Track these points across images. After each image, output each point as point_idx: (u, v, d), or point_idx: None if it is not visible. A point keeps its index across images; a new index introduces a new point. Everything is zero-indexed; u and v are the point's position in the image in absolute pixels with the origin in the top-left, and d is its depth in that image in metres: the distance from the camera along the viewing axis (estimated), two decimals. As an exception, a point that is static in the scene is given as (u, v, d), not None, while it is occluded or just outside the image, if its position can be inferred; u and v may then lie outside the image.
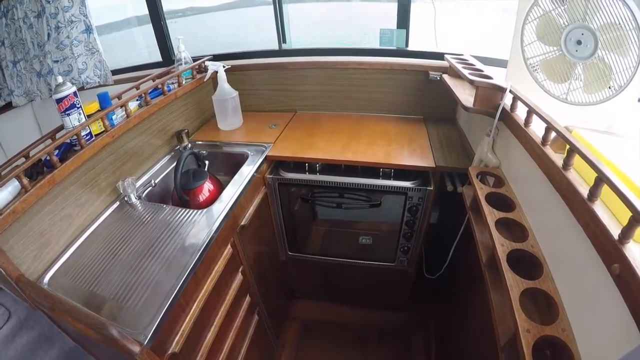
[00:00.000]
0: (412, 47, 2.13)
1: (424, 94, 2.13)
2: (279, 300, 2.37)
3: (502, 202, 1.23)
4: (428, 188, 1.68)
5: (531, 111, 1.12)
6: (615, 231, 0.70)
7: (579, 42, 1.13)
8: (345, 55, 2.19)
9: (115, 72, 2.51)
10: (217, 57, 2.28)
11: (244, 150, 1.90)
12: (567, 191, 0.89)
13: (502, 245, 1.03)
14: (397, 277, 2.16)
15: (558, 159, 0.97)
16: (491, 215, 1.13)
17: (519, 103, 1.22)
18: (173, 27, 2.45)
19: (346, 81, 2.20)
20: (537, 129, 1.12)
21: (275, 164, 1.90)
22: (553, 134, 1.01)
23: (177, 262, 1.21)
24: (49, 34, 2.27)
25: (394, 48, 2.13)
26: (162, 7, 2.34)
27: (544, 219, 1.05)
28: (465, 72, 1.44)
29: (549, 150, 1.02)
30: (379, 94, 2.21)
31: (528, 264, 1.01)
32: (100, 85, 2.42)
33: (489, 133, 1.38)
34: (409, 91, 2.15)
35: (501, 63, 1.72)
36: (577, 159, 0.89)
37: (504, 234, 1.09)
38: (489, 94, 1.33)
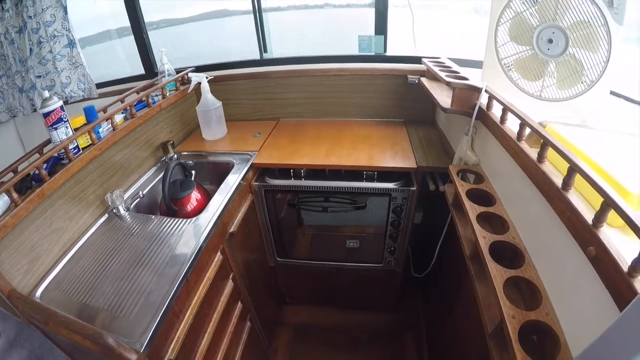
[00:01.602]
0: (390, 51, 2.19)
1: (403, 97, 2.18)
2: (270, 306, 2.38)
3: (483, 197, 1.27)
4: (411, 188, 1.72)
5: (506, 109, 1.17)
6: (589, 217, 0.75)
7: (550, 41, 1.18)
8: (326, 63, 2.24)
9: (99, 85, 2.50)
10: (199, 69, 2.31)
11: (229, 159, 1.92)
12: (542, 183, 0.93)
13: (484, 238, 1.07)
14: (386, 277, 2.19)
15: (533, 153, 1.01)
16: (472, 210, 1.18)
17: (495, 102, 1.27)
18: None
19: (328, 88, 2.25)
20: (512, 125, 1.17)
21: (261, 171, 1.92)
22: (528, 130, 1.06)
23: (169, 271, 1.22)
24: (30, 49, 2.25)
25: (373, 54, 2.18)
26: (143, 20, 2.36)
27: (523, 211, 1.10)
28: (442, 75, 1.49)
29: (524, 145, 1.07)
30: (360, 99, 2.25)
31: (510, 255, 1.06)
32: (84, 99, 2.41)
33: (467, 132, 1.42)
34: (389, 95, 2.20)
35: (477, 64, 1.77)
36: (550, 152, 0.94)
37: (485, 228, 1.13)
38: (466, 95, 1.38)
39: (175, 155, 2.00)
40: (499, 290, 0.91)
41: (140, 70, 2.55)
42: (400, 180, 1.76)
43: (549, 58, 1.20)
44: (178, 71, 2.19)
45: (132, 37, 2.42)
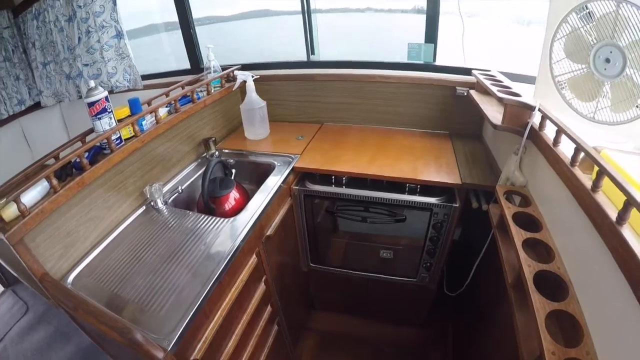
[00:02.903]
0: (439, 61, 2.13)
1: (450, 109, 2.12)
2: (298, 311, 2.37)
3: (529, 221, 1.22)
4: (454, 205, 1.67)
5: (560, 131, 1.11)
6: (645, 257, 0.69)
7: (607, 60, 1.11)
8: (373, 69, 2.20)
9: (144, 77, 2.57)
10: (245, 67, 2.33)
11: (270, 161, 1.93)
12: (595, 214, 0.88)
13: (529, 266, 1.02)
14: (418, 293, 2.15)
15: (587, 180, 0.96)
16: (518, 235, 1.13)
17: (548, 122, 1.21)
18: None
19: (373, 94, 2.22)
20: (565, 149, 1.11)
21: (302, 176, 1.91)
22: (581, 155, 1.00)
23: (203, 270, 1.22)
24: (79, 38, 2.33)
25: (422, 62, 2.14)
26: (192, 15, 2.40)
27: (571, 241, 1.04)
28: (494, 89, 1.44)
29: (577, 171, 1.01)
30: (406, 109, 2.20)
31: (553, 285, 1.01)
32: (129, 90, 2.48)
33: (517, 151, 1.37)
34: (436, 106, 2.14)
35: (527, 79, 1.71)
36: (606, 181, 0.88)
37: (530, 254, 1.08)
38: (518, 112, 1.33)
39: (217, 153, 2.02)
40: (540, 325, 0.87)
41: (185, 64, 2.59)
42: (443, 195, 1.72)
43: (605, 78, 1.13)
44: (224, 68, 2.21)
45: (177, 32, 2.48)
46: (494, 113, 1.49)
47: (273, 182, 1.72)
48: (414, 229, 1.83)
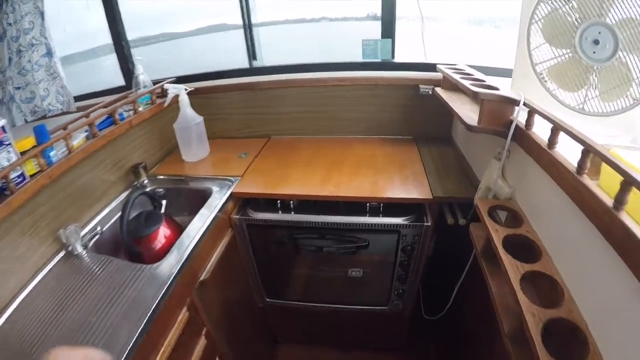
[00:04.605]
0: (398, 59, 1.90)
1: (414, 110, 1.89)
2: (259, 348, 2.08)
3: (523, 245, 0.96)
4: (424, 224, 1.41)
5: (557, 128, 0.86)
6: None
7: (596, 42, 0.92)
8: (324, 71, 1.95)
9: (77, 99, 2.24)
10: (182, 79, 2.01)
11: (207, 186, 1.64)
12: (622, 240, 0.62)
13: (534, 316, 0.75)
14: (392, 319, 1.89)
15: (602, 194, 0.70)
16: (514, 269, 0.86)
17: (537, 118, 0.97)
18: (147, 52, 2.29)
19: (326, 100, 1.95)
20: (563, 150, 0.88)
21: (244, 202, 1.63)
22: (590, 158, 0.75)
23: (114, 341, 0.95)
24: (10, 59, 2.03)
25: (379, 61, 1.90)
26: (122, 22, 2.11)
27: (585, 273, 0.78)
28: (466, 84, 1.19)
29: (587, 180, 0.75)
30: (364, 113, 1.96)
31: (564, 331, 0.75)
32: (63, 113, 2.17)
33: (499, 156, 1.12)
34: (398, 108, 1.91)
35: (500, 72, 1.52)
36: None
37: (529, 291, 0.82)
38: (497, 109, 1.08)
39: (146, 181, 1.73)
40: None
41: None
42: (411, 213, 1.45)
43: (594, 63, 0.93)
44: (156, 83, 1.91)
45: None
46: (467, 112, 1.24)
47: (207, 213, 1.44)
48: (380, 254, 1.57)
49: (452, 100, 1.41)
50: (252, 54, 2.07)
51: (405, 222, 1.42)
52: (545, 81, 1.05)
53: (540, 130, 0.96)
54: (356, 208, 1.48)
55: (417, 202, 1.42)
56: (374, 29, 1.88)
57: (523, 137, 1.02)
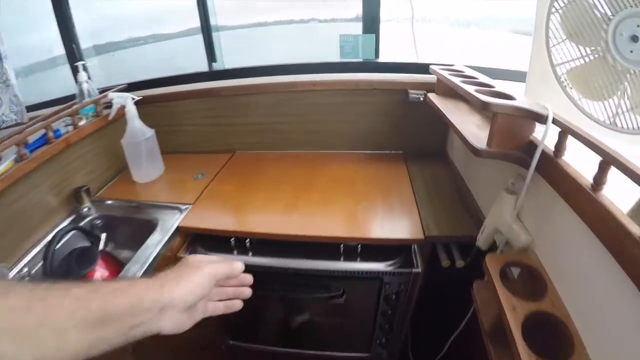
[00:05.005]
0: (384, 59, 1.63)
1: (402, 120, 1.61)
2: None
3: (548, 325, 0.68)
4: (413, 270, 1.11)
5: (608, 162, 0.56)
6: None
7: (634, 39, 0.67)
8: (297, 74, 1.65)
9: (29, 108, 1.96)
10: (133, 87, 1.71)
11: (152, 216, 1.35)
12: None
13: None
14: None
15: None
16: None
17: (571, 141, 0.69)
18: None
19: (297, 109, 1.66)
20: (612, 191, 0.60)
21: (194, 238, 1.33)
22: None
23: None
24: None
25: (360, 60, 1.61)
26: (74, 27, 1.83)
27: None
28: (470, 90, 0.89)
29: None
30: (343, 124, 1.68)
31: None
32: (17, 124, 1.86)
33: (513, 188, 0.82)
34: (382, 118, 1.63)
35: (497, 74, 1.22)
36: None
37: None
38: (514, 125, 0.80)
39: (88, 207, 1.46)
40: None
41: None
42: (396, 256, 1.15)
43: (632, 66, 0.67)
44: (104, 91, 1.63)
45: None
46: (470, 128, 0.95)
47: (148, 252, 1.18)
48: (358, 304, 1.28)
49: (448, 110, 1.12)
50: (210, 55, 1.76)
51: (389, 269, 1.12)
52: (570, 88, 0.78)
53: (575, 157, 0.69)
54: (328, 248, 1.19)
55: (405, 243, 1.13)
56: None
57: (549, 167, 0.73)
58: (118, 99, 1.56)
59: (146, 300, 0.50)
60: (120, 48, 2.19)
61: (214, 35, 1.79)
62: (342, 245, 1.17)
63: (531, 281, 0.77)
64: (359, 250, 1.16)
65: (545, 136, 0.72)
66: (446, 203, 1.26)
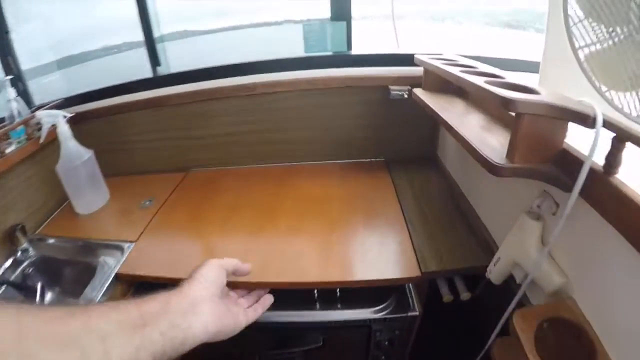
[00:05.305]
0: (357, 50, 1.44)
1: (382, 122, 1.41)
2: None
3: None
4: (410, 314, 0.88)
5: None
6: None
7: None
8: (255, 74, 1.42)
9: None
10: (70, 100, 1.48)
11: (92, 259, 1.13)
12: None
13: None
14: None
15: None
16: None
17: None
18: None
19: (258, 115, 1.43)
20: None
21: (137, 286, 1.08)
22: None
23: None
24: None
25: (329, 54, 1.39)
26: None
27: None
28: (479, 82, 0.67)
29: None
30: (311, 130, 1.47)
31: None
32: None
33: (538, 211, 0.62)
34: (359, 120, 1.43)
35: (500, 64, 1.00)
36: None
37: None
38: (543, 130, 0.59)
39: (24, 248, 1.23)
40: None
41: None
42: (387, 298, 0.92)
43: None
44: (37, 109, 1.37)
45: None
46: (476, 132, 0.72)
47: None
48: (345, 353, 1.05)
49: (442, 108, 0.91)
50: (153, 57, 1.52)
51: (378, 316, 0.88)
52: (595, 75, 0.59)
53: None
54: (299, 294, 0.95)
55: (396, 284, 0.90)
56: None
57: (597, 188, 0.52)
58: (47, 117, 1.31)
59: (173, 301, 0.53)
60: (95, 57, 2.04)
61: (158, 36, 1.55)
62: (315, 291, 0.93)
63: (566, 333, 0.55)
64: (338, 294, 0.93)
65: (596, 145, 0.49)
66: (443, 221, 1.04)
